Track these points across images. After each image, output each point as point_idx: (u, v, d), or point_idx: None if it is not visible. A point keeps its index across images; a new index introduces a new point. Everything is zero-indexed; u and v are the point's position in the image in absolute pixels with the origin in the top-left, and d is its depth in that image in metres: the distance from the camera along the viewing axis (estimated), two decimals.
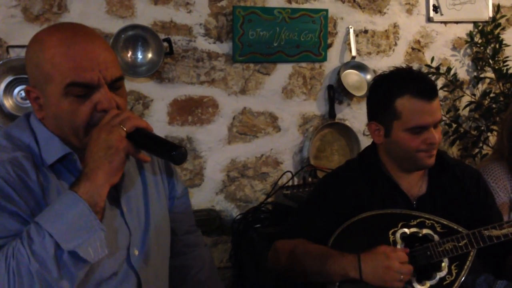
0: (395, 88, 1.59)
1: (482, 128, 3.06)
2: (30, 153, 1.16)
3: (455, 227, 1.57)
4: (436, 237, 1.57)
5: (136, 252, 1.25)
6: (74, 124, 1.15)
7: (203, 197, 2.69)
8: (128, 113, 1.14)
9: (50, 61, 1.13)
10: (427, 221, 1.59)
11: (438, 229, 1.57)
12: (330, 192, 1.70)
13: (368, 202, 1.64)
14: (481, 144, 3.06)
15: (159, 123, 2.58)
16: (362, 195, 1.65)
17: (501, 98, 3.02)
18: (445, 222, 1.58)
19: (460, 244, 1.53)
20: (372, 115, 1.69)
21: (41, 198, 1.13)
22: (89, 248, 1.04)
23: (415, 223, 1.59)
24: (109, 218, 1.19)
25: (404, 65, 1.71)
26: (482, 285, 2.06)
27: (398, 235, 1.58)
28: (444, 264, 1.55)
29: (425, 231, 1.58)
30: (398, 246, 1.57)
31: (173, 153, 1.09)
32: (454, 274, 1.55)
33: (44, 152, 1.17)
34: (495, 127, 3.05)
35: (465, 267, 1.55)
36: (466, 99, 3.11)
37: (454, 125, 3.06)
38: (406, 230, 1.58)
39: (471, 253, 1.55)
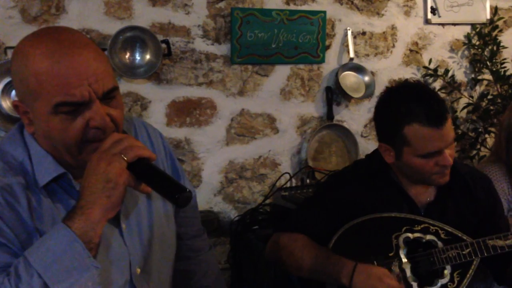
0: (403, 115, 1.51)
1: (480, 130, 3.07)
2: (23, 172, 1.10)
3: (460, 234, 1.56)
4: (440, 243, 1.56)
5: (138, 271, 1.19)
6: (65, 142, 1.07)
7: (201, 199, 2.68)
8: (131, 141, 1.06)
9: (35, 77, 1.04)
10: (431, 227, 1.57)
11: (442, 235, 1.56)
12: (336, 191, 1.68)
13: (373, 206, 1.61)
14: (478, 146, 3.06)
15: (157, 124, 2.58)
16: (368, 198, 1.62)
17: (499, 100, 3.03)
18: (449, 229, 1.57)
19: (464, 252, 1.52)
20: (381, 137, 1.64)
21: (33, 229, 1.06)
22: None
23: (419, 228, 1.57)
24: (108, 239, 1.14)
25: (413, 81, 1.60)
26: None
27: (401, 239, 1.56)
28: (447, 271, 1.54)
29: (429, 237, 1.56)
30: (401, 251, 1.55)
31: (176, 195, 1.02)
32: (456, 281, 1.53)
33: (37, 171, 1.10)
34: (492, 129, 3.05)
35: (468, 275, 1.53)
36: (463, 101, 3.11)
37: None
38: (409, 235, 1.56)
39: (475, 262, 1.54)
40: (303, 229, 1.66)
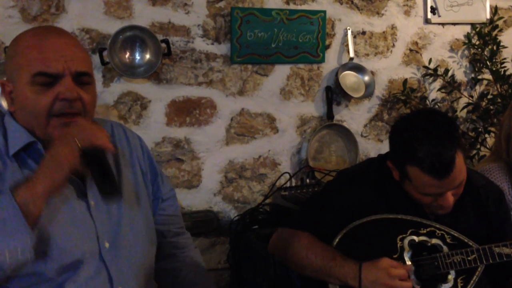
0: (407, 154, 1.48)
1: (480, 129, 3.07)
2: None
3: (466, 240, 1.55)
4: (445, 248, 1.54)
5: (107, 245, 1.26)
6: (36, 112, 1.19)
7: (201, 198, 2.68)
8: (93, 129, 1.17)
9: (21, 53, 1.21)
10: (437, 231, 1.56)
11: (448, 240, 1.55)
12: (344, 191, 1.66)
13: (382, 210, 1.59)
14: (478, 146, 3.06)
15: (157, 124, 2.58)
16: (377, 201, 1.61)
17: (499, 100, 3.03)
18: (456, 234, 1.55)
19: (469, 258, 1.51)
20: (390, 156, 1.61)
21: None
22: (6, 251, 1.05)
23: (425, 231, 1.56)
24: (74, 210, 1.24)
25: (428, 110, 1.57)
26: None
27: (406, 241, 1.55)
28: (451, 276, 1.53)
29: (434, 241, 1.55)
30: (405, 253, 1.54)
31: (108, 190, 1.14)
32: (459, 287, 1.52)
33: (10, 143, 1.21)
34: (492, 129, 3.05)
35: (472, 281, 1.52)
36: (463, 100, 3.11)
37: None
38: (415, 237, 1.55)
39: (479, 268, 1.52)
40: (308, 227, 1.64)
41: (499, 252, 1.50)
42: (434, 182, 1.45)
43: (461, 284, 1.52)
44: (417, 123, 1.51)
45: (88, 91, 1.25)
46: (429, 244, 1.55)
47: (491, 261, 1.51)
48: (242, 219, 2.61)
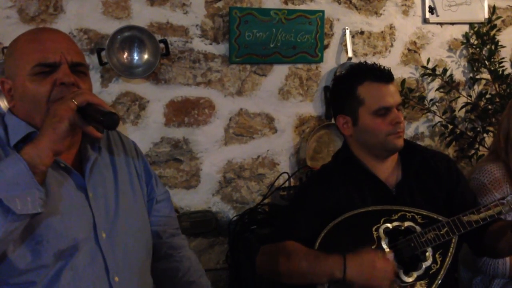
0: (355, 79, 1.71)
1: (478, 129, 3.07)
2: None
3: (435, 216, 1.61)
4: (418, 228, 1.61)
5: (104, 235, 1.30)
6: (35, 100, 1.25)
7: (199, 199, 2.68)
8: (85, 91, 1.24)
9: (20, 49, 1.28)
10: (407, 214, 1.63)
11: (419, 220, 1.62)
12: (311, 192, 1.74)
13: (349, 196, 1.68)
14: (477, 145, 3.06)
15: (155, 124, 2.58)
16: (342, 190, 1.69)
17: (497, 99, 3.03)
18: (425, 213, 1.63)
19: (441, 232, 1.57)
20: (337, 109, 1.77)
21: None
22: (16, 199, 1.09)
23: (396, 217, 1.62)
24: (73, 199, 1.28)
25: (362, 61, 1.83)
26: (479, 285, 2.06)
27: (381, 230, 1.61)
28: (428, 253, 1.59)
29: (406, 223, 1.62)
30: (382, 242, 1.60)
31: (101, 118, 1.17)
32: (439, 262, 1.59)
33: (11, 135, 1.27)
34: (491, 128, 3.06)
35: (449, 254, 1.59)
36: (462, 100, 3.11)
37: (450, 126, 3.06)
38: (388, 225, 1.62)
39: (453, 240, 1.59)
40: (289, 236, 1.67)
41: (468, 220, 1.56)
42: (383, 88, 1.67)
43: (440, 259, 1.58)
44: (351, 67, 1.78)
45: (85, 81, 1.31)
46: (402, 228, 1.62)
47: (462, 231, 1.57)
48: (240, 219, 2.61)
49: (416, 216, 1.62)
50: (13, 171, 1.11)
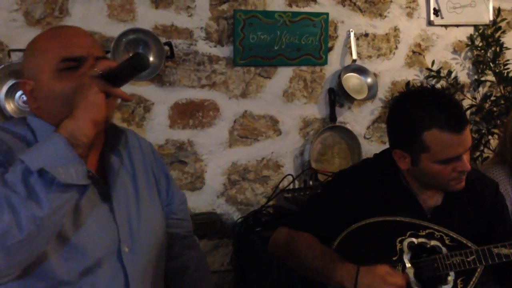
0: (422, 121, 1.48)
1: (483, 131, 3.06)
2: (26, 141, 1.20)
3: (465, 241, 1.54)
4: (444, 249, 1.54)
5: (127, 249, 1.26)
6: (64, 97, 1.19)
7: (204, 201, 2.69)
8: (104, 60, 1.19)
9: (42, 47, 1.23)
10: (436, 233, 1.55)
11: (447, 241, 1.55)
12: (342, 191, 1.67)
13: (379, 207, 1.60)
14: (482, 148, 3.06)
15: (160, 126, 2.59)
16: (374, 199, 1.61)
17: (502, 102, 3.02)
18: (454, 236, 1.55)
19: (468, 259, 1.51)
20: (395, 143, 1.60)
21: None
22: (59, 168, 1.03)
23: (424, 233, 1.55)
24: (98, 213, 1.23)
25: (428, 86, 1.61)
26: None
27: (405, 243, 1.55)
28: (450, 278, 1.53)
29: (433, 242, 1.55)
30: (405, 256, 1.54)
31: (129, 62, 1.14)
32: None
33: (39, 137, 1.21)
34: (496, 130, 3.05)
35: (471, 282, 1.52)
36: (467, 102, 3.11)
37: None
38: (414, 239, 1.55)
39: (478, 269, 1.52)
40: (307, 228, 1.64)
41: (498, 252, 1.50)
42: (454, 138, 1.46)
43: (461, 285, 1.52)
44: (418, 97, 1.56)
45: None
46: (428, 246, 1.55)
47: (490, 262, 1.50)
48: (245, 221, 2.61)
49: (444, 237, 1.54)
50: (53, 149, 1.05)
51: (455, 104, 1.52)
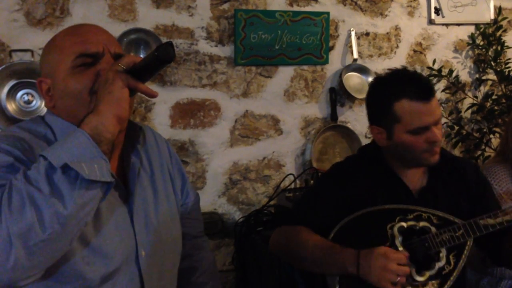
0: (392, 93, 1.60)
1: (485, 130, 3.06)
2: (46, 140, 1.18)
3: (451, 218, 1.60)
4: (433, 229, 1.59)
5: (143, 253, 1.24)
6: (78, 93, 1.17)
7: (205, 200, 2.69)
8: (127, 56, 1.17)
9: (59, 45, 1.22)
10: (423, 214, 1.61)
11: (434, 221, 1.60)
12: (337, 183, 1.71)
13: (371, 195, 1.65)
14: (483, 146, 3.05)
15: (161, 126, 2.59)
16: (364, 188, 1.67)
17: (503, 100, 3.02)
18: (441, 214, 1.61)
19: (457, 234, 1.56)
20: (372, 119, 1.71)
21: None
22: (82, 164, 0.99)
23: (412, 216, 1.61)
24: (117, 217, 1.21)
25: (400, 67, 1.70)
26: (486, 287, 2.05)
27: (395, 229, 1.60)
28: (442, 254, 1.58)
29: (422, 223, 1.61)
30: (396, 240, 1.59)
31: (155, 53, 1.10)
32: (452, 263, 1.57)
33: (58, 135, 1.19)
34: (497, 129, 3.05)
35: (463, 256, 1.58)
36: (468, 101, 3.11)
37: (456, 127, 3.06)
38: (403, 223, 1.61)
39: (468, 243, 1.58)
40: (304, 221, 1.68)
41: (484, 224, 1.54)
42: (422, 107, 1.55)
43: (454, 260, 1.57)
44: (389, 75, 1.66)
45: None
46: (418, 227, 1.60)
47: (478, 234, 1.55)
48: (246, 220, 2.61)
49: (432, 217, 1.61)
50: (76, 145, 1.02)
51: (424, 78, 1.63)
